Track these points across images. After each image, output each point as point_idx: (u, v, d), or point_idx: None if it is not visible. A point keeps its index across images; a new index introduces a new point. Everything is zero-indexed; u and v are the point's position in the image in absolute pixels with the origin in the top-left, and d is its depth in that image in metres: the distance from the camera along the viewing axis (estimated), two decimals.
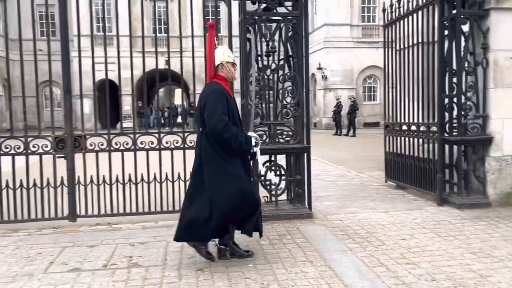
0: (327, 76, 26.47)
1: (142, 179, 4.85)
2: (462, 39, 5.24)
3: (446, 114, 5.38)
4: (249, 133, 3.58)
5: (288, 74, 4.98)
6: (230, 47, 4.93)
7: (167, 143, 4.89)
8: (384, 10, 6.80)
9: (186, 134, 4.88)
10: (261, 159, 3.80)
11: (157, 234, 4.40)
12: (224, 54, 3.57)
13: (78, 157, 4.79)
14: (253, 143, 3.49)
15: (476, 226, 4.44)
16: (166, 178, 4.87)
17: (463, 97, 5.25)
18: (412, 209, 5.25)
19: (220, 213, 3.35)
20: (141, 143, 4.88)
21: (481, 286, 3.04)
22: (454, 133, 5.33)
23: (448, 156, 5.41)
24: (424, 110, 5.81)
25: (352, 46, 26.20)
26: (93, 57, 4.74)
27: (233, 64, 3.62)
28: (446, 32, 5.33)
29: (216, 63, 3.54)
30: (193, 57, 4.89)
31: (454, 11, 5.17)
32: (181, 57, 4.94)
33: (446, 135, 5.39)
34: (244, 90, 4.85)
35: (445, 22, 5.29)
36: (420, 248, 3.83)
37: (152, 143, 4.90)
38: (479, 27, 5.18)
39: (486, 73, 5.20)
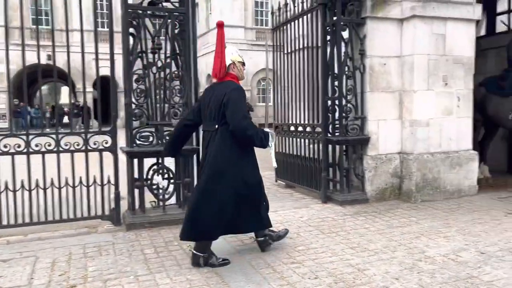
0: None
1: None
2: (343, 44, 5.53)
3: (330, 115, 5.65)
4: (266, 129, 3.59)
5: (176, 72, 4.78)
6: (112, 42, 4.60)
7: (66, 145, 4.39)
8: (272, 13, 6.94)
9: (88, 135, 4.46)
10: (274, 154, 3.82)
11: (25, 249, 3.88)
12: (234, 53, 3.64)
13: None
14: (270, 139, 3.53)
15: (356, 222, 4.71)
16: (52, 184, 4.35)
17: (343, 100, 5.55)
18: (299, 207, 5.40)
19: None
20: (36, 145, 4.29)
21: (358, 280, 3.18)
22: (336, 134, 5.61)
23: (332, 155, 5.68)
24: (310, 112, 6.04)
25: (247, 48, 26.69)
26: None
27: (243, 63, 3.69)
28: (328, 38, 5.59)
29: (228, 62, 3.58)
30: (82, 52, 4.40)
31: (335, 18, 5.44)
32: (68, 52, 4.36)
33: (329, 135, 5.65)
34: (127, 89, 4.54)
35: (327, 28, 5.55)
36: (305, 246, 3.92)
37: (50, 144, 4.34)
38: (357, 34, 5.53)
39: (363, 78, 5.57)
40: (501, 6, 8.15)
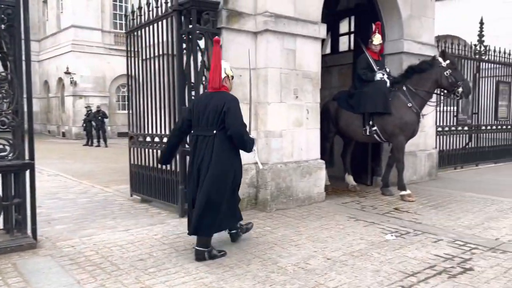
0: (76, 81, 24.52)
1: None
2: (199, 53, 5.41)
3: None
4: (251, 136, 4.00)
5: (3, 75, 4.06)
6: None
7: None
8: (126, 17, 6.51)
9: None
10: (258, 157, 4.35)
11: None
12: (228, 69, 4.07)
13: None
14: (254, 145, 4.00)
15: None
16: None
17: None
18: (154, 224, 5.08)
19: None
20: None
21: None
22: None
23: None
24: (167, 122, 5.77)
25: (104, 52, 25.14)
26: None
27: (233, 77, 4.21)
28: (184, 46, 5.41)
29: (223, 76, 3.99)
30: None
31: (191, 26, 5.29)
32: None
33: (186, 146, 5.45)
34: None
35: (183, 36, 5.38)
36: (157, 268, 3.63)
37: None
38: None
39: None
40: (343, 28, 9.03)
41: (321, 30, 6.19)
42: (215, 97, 3.88)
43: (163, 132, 5.84)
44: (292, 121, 5.98)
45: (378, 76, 6.71)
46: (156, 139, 5.96)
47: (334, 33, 9.14)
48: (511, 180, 8.46)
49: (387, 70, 6.91)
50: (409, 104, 6.49)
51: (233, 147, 3.90)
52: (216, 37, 4.23)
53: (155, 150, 5.98)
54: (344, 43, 9.00)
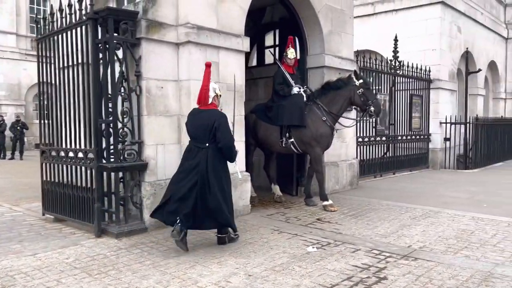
0: None
1: None
2: (117, 64, 5.17)
3: (104, 140, 5.17)
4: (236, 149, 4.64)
5: None
6: None
7: None
8: (36, 22, 6.07)
9: None
10: (238, 168, 5.15)
11: None
12: (217, 89, 4.68)
13: None
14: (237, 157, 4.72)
15: (130, 256, 4.34)
16: None
17: (119, 123, 5.17)
18: (66, 246, 4.71)
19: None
20: None
21: None
22: (112, 160, 5.16)
23: (107, 183, 5.20)
24: (82, 136, 5.43)
25: (19, 58, 23.40)
26: None
27: (220, 96, 4.76)
28: (101, 56, 5.14)
29: (212, 95, 4.59)
30: None
31: (108, 35, 5.04)
32: None
33: (104, 162, 5.16)
34: None
35: (100, 45, 5.10)
36: None
37: None
38: (132, 55, 5.25)
39: (140, 100, 5.31)
40: (269, 41, 9.18)
41: (245, 43, 6.21)
42: (205, 114, 4.51)
43: (78, 147, 5.48)
44: None
45: (295, 90, 6.92)
46: (71, 154, 5.58)
47: (260, 46, 9.26)
48: (424, 187, 9.06)
49: (303, 84, 7.15)
50: (324, 118, 6.74)
51: (222, 157, 4.55)
52: (208, 61, 4.76)
53: (70, 166, 5.60)
54: (269, 56, 9.14)
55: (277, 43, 8.80)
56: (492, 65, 17.58)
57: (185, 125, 4.84)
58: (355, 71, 7.15)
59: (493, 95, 18.44)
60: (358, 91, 6.69)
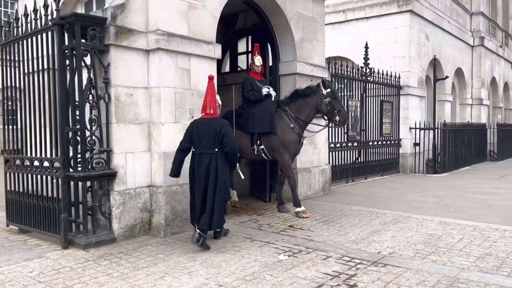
0: None
1: None
2: (85, 71, 5.06)
3: (71, 148, 5.03)
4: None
5: None
6: None
7: None
8: (1, 27, 5.88)
9: None
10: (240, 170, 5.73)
11: None
12: (219, 100, 5.22)
13: None
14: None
15: (98, 268, 4.23)
16: None
17: (87, 131, 5.05)
18: (31, 258, 4.55)
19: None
20: None
21: None
22: (79, 169, 5.03)
23: (74, 193, 5.06)
24: (48, 144, 5.28)
25: None
26: None
27: (220, 105, 5.33)
28: (68, 62, 5.02)
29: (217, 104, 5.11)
30: None
31: (74, 41, 4.92)
32: None
33: (71, 171, 5.02)
34: None
35: (66, 52, 4.98)
36: None
37: None
38: (101, 61, 5.15)
39: (108, 108, 5.20)
40: (242, 47, 9.18)
41: (216, 50, 6.19)
42: (212, 122, 4.91)
43: (43, 155, 5.32)
44: None
45: (265, 90, 6.97)
46: (36, 163, 5.41)
47: (233, 52, 9.25)
48: (394, 192, 9.23)
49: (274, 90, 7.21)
50: (292, 125, 6.80)
51: (227, 161, 4.96)
52: (211, 74, 5.17)
53: (35, 175, 5.43)
54: (242, 62, 9.14)
55: (250, 49, 8.81)
56: (459, 72, 18.12)
57: (185, 133, 5.07)
58: (323, 79, 7.21)
59: (460, 101, 18.99)
60: (325, 100, 6.77)
